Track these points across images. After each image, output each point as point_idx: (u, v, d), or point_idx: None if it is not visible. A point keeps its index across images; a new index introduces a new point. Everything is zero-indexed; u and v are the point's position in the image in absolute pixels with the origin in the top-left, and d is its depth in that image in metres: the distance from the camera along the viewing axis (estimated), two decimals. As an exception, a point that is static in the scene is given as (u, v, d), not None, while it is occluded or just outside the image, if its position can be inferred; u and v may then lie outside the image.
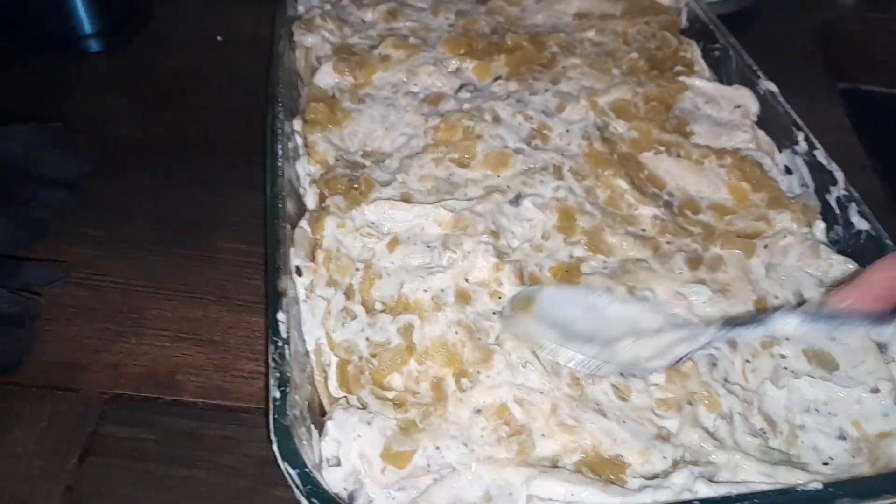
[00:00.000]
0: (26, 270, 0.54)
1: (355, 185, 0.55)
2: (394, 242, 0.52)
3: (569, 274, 0.51)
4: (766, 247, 0.56)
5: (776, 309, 0.49)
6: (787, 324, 0.42)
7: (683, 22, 0.78)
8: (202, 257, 0.62)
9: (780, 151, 0.64)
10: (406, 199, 0.55)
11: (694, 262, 0.53)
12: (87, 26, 0.83)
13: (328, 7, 0.73)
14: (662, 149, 0.61)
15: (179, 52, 0.84)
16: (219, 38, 0.85)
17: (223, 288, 0.59)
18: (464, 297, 0.49)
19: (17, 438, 0.49)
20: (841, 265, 0.54)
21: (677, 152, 0.62)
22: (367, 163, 0.59)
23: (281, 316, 0.44)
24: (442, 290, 0.49)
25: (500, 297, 0.49)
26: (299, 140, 0.60)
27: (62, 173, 0.60)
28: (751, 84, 0.68)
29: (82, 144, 0.63)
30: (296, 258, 0.50)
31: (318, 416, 0.45)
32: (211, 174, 0.69)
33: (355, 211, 0.54)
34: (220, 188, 0.67)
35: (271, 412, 0.39)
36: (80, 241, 0.62)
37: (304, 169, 0.58)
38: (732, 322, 0.45)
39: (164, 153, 0.71)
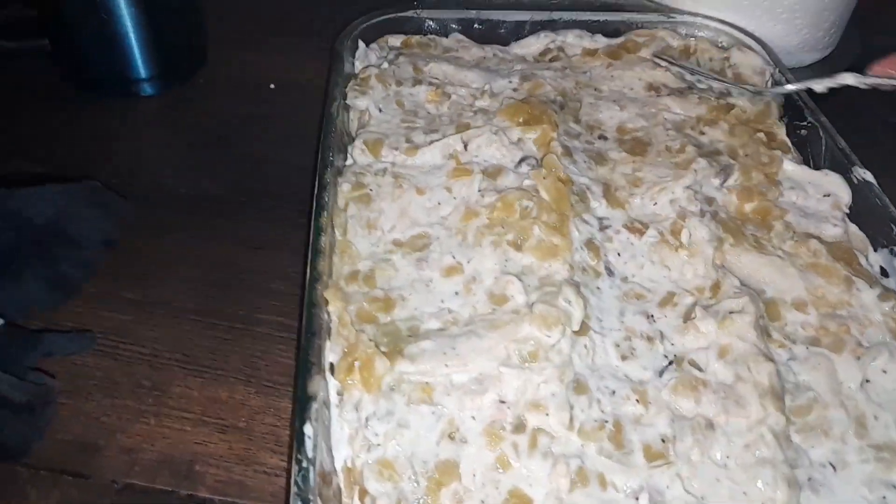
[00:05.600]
0: (48, 341, 0.51)
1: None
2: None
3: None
4: (858, 358, 0.49)
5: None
6: (846, 78, 0.61)
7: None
8: (237, 329, 0.58)
9: (876, 251, 0.57)
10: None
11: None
12: (141, 70, 0.81)
13: (385, 66, 0.69)
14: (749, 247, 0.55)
15: (232, 98, 0.81)
16: (272, 86, 0.83)
17: (254, 365, 0.55)
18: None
19: (19, 530, 0.45)
20: (949, 396, 0.47)
21: (758, 245, 0.56)
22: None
23: (308, 429, 0.39)
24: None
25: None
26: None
27: (96, 232, 0.57)
28: (843, 170, 0.61)
29: (118, 202, 0.60)
30: (331, 353, 0.45)
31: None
32: (258, 233, 0.65)
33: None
34: (267, 250, 0.64)
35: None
36: (112, 303, 0.59)
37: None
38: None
39: (210, 208, 0.68)
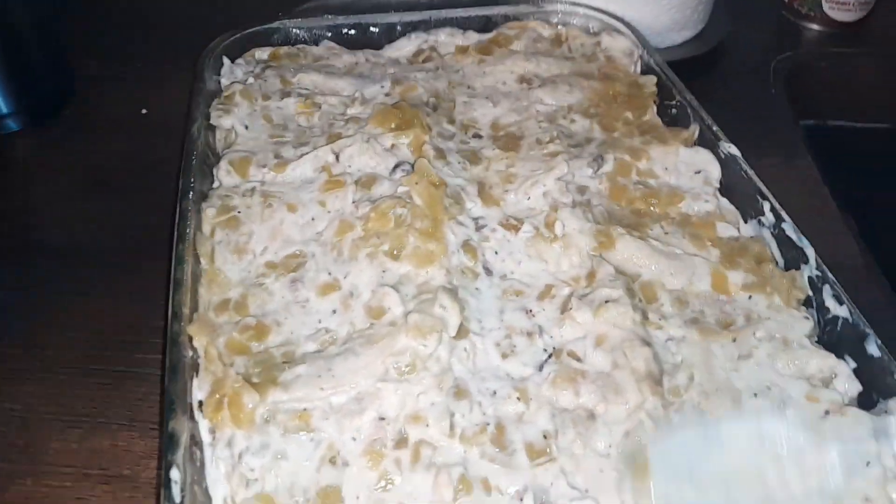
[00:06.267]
0: None
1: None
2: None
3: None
4: (734, 340, 0.50)
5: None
6: None
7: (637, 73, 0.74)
8: (118, 372, 0.56)
9: (746, 222, 0.59)
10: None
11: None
12: (3, 106, 0.77)
13: (251, 81, 0.67)
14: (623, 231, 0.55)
15: (105, 134, 0.78)
16: (143, 111, 0.80)
17: (136, 410, 0.53)
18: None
19: None
20: (817, 359, 0.48)
21: (633, 228, 0.57)
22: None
23: (175, 474, 0.38)
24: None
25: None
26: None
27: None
28: (711, 146, 0.63)
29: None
30: (199, 391, 0.44)
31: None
32: (143, 276, 0.62)
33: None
34: (151, 292, 0.60)
35: None
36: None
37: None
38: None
39: (91, 254, 0.65)
